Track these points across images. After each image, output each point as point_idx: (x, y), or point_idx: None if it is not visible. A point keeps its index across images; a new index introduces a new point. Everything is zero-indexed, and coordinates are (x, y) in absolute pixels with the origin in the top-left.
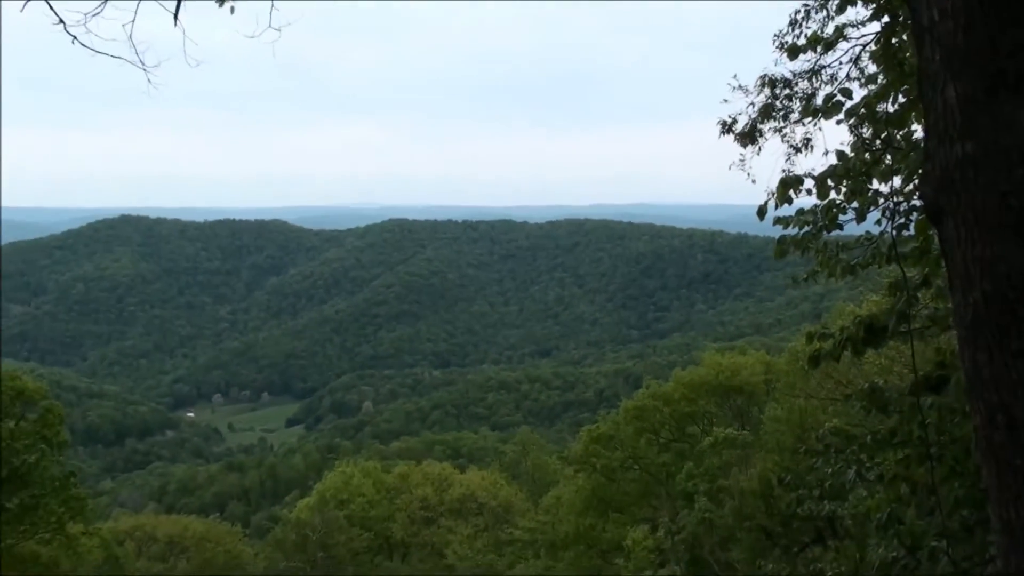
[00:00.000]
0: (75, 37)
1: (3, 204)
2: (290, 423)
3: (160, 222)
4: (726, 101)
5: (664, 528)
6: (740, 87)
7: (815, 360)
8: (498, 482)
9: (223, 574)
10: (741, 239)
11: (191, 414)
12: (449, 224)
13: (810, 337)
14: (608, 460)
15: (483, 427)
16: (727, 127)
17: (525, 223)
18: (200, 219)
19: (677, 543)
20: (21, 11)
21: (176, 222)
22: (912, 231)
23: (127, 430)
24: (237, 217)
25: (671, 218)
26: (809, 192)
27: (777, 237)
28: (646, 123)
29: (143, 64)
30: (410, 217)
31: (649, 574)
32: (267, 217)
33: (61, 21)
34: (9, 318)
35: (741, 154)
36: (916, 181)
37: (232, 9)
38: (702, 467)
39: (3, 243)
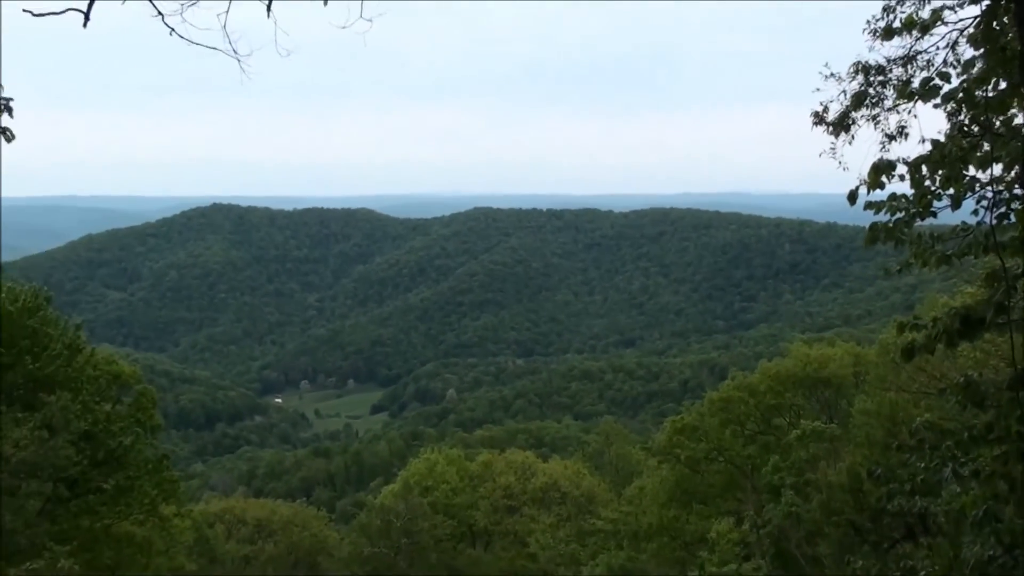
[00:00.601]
0: (172, 28)
1: (104, 192)
2: (375, 410)
3: (250, 210)
4: (818, 90)
5: (749, 521)
6: (832, 75)
7: (909, 352)
8: (581, 472)
9: (309, 557)
10: (830, 228)
11: (279, 400)
12: (534, 213)
13: (902, 327)
14: (692, 451)
15: (566, 416)
16: (819, 118)
17: (610, 212)
18: (289, 207)
19: (763, 536)
20: (122, 4)
21: (266, 210)
22: (1012, 219)
23: (217, 415)
24: (325, 206)
25: (759, 207)
26: (902, 178)
27: (868, 224)
28: (735, 110)
29: (236, 54)
30: (495, 206)
31: (734, 567)
32: (354, 206)
33: (160, 14)
34: (106, 304)
35: (832, 142)
36: (1017, 168)
37: (325, 1)
38: (789, 460)
39: (102, 230)
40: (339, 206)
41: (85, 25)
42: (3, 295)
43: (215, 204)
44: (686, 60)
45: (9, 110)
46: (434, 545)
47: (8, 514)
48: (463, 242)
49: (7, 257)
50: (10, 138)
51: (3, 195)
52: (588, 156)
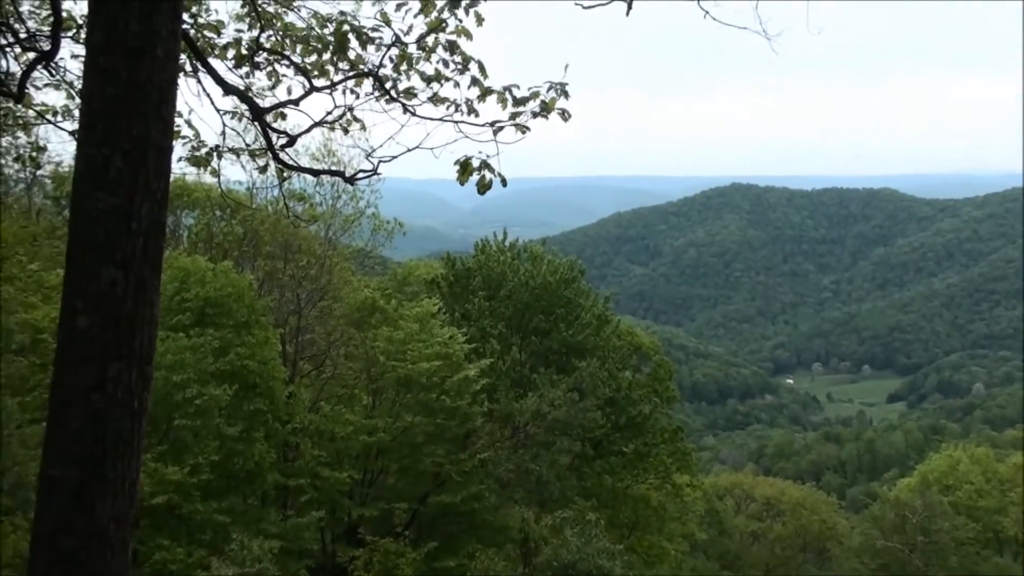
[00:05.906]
0: (707, 12)
1: (631, 173)
2: (891, 399)
3: (768, 190)
4: None
5: None
6: None
7: None
8: None
9: (818, 543)
10: None
11: (790, 380)
12: None
13: None
14: None
15: None
16: None
17: None
18: (807, 187)
19: None
20: (627, 14)
21: (784, 190)
22: None
23: (729, 391)
24: (845, 185)
25: None
26: None
27: None
28: None
29: (766, 34)
30: None
31: None
32: (876, 185)
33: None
34: (630, 278)
35: None
36: None
37: None
38: None
39: (628, 209)
40: (859, 186)
41: (628, 13)
42: (545, 267)
43: (734, 184)
44: None
45: (566, 94)
46: (955, 548)
47: (543, 466)
48: (998, 224)
49: (547, 232)
50: (566, 118)
51: (546, 175)
52: None
